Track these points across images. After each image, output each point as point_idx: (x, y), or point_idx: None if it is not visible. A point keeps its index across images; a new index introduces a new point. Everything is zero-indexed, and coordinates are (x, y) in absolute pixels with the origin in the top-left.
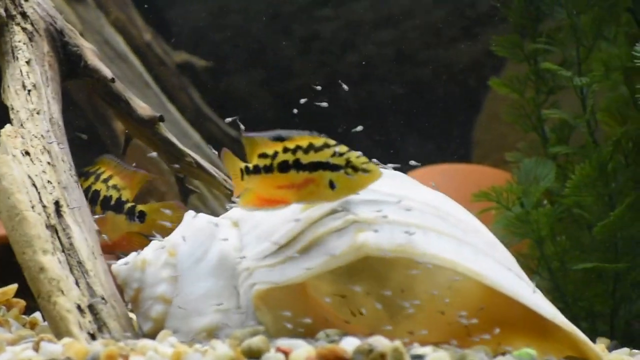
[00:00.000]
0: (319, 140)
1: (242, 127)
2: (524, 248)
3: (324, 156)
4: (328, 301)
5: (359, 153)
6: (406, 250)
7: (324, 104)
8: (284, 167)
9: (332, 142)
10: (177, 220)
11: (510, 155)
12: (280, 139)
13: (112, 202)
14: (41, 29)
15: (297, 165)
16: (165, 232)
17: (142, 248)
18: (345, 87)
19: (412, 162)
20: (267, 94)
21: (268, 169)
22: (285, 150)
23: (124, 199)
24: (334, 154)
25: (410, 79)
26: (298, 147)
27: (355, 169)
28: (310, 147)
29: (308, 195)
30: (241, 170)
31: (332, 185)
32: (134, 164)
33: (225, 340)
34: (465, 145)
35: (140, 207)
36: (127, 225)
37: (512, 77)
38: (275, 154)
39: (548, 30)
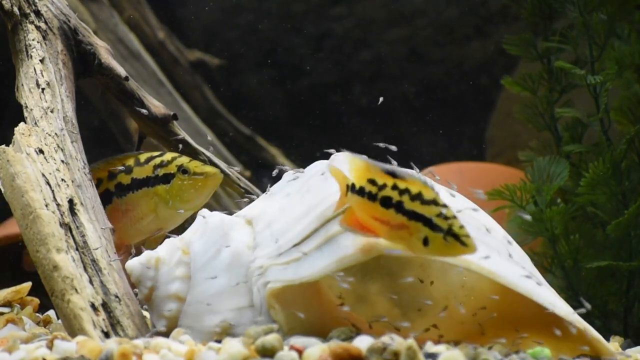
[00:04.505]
0: (429, 193)
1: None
2: (538, 246)
3: (428, 212)
4: (341, 299)
5: (462, 223)
6: None
7: None
8: (386, 202)
9: (441, 201)
10: None
11: (523, 154)
12: (393, 174)
13: None
14: (55, 28)
15: (398, 207)
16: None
17: None
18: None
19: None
20: (279, 92)
21: (371, 197)
22: (394, 187)
23: None
24: (439, 214)
25: (422, 77)
26: (406, 190)
27: (456, 238)
28: (418, 196)
29: (398, 238)
30: (347, 186)
31: (425, 241)
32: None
33: (238, 338)
34: (478, 143)
35: None
36: None
37: (525, 76)
38: (384, 186)
39: (561, 29)
